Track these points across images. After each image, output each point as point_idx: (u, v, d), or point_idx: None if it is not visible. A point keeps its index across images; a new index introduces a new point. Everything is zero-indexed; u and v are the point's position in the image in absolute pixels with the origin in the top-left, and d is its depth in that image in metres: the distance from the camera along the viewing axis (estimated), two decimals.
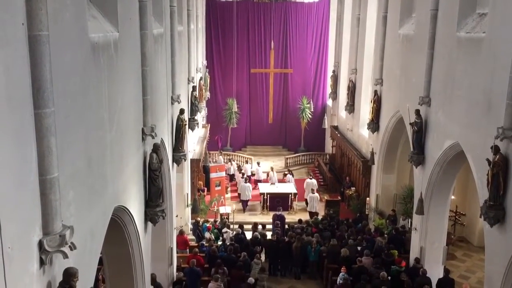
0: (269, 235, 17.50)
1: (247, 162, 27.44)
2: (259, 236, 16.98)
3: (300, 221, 18.66)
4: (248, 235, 17.48)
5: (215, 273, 13.71)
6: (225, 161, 26.76)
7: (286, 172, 25.18)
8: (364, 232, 17.20)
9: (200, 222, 18.19)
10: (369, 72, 21.90)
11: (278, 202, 20.87)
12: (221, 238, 17.25)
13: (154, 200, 10.31)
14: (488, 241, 10.45)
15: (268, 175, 24.13)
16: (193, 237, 17.92)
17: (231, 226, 18.19)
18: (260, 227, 17.89)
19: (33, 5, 4.54)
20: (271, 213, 19.93)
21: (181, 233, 16.18)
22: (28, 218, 4.71)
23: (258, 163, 25.78)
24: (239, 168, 25.40)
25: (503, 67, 9.60)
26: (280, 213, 18.93)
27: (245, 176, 23.40)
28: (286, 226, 18.36)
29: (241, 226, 17.69)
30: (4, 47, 4.16)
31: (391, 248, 15.42)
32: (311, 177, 22.87)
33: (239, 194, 22.84)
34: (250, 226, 18.48)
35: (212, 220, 19.13)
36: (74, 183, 5.85)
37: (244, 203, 22.20)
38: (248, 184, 22.32)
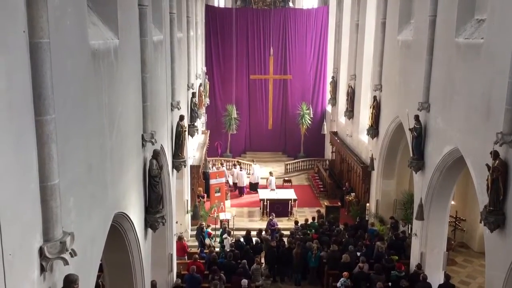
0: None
1: (234, 165, 27.03)
2: (260, 242, 16.94)
3: (296, 222, 18.75)
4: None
5: (211, 280, 13.68)
6: (229, 167, 26.68)
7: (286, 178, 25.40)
8: (364, 238, 17.17)
9: (205, 227, 18.13)
10: (368, 78, 21.95)
11: (278, 208, 20.87)
12: (220, 244, 17.20)
13: (154, 207, 10.31)
14: (488, 246, 10.44)
15: (267, 180, 24.22)
16: (193, 244, 17.88)
17: (231, 233, 18.14)
18: (264, 233, 17.84)
19: (34, 12, 4.57)
20: None
21: (179, 239, 16.15)
22: (29, 225, 4.71)
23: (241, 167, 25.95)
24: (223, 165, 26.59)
25: (501, 73, 9.64)
26: (271, 217, 19.08)
27: (238, 166, 25.63)
28: (287, 232, 18.29)
29: (248, 232, 17.60)
30: (6, 55, 4.18)
31: (391, 253, 15.41)
32: (254, 163, 25.60)
33: (234, 184, 24.78)
34: (246, 233, 18.38)
35: (213, 226, 19.09)
36: (74, 190, 5.86)
37: (241, 189, 24.31)
38: (243, 171, 24.71)
